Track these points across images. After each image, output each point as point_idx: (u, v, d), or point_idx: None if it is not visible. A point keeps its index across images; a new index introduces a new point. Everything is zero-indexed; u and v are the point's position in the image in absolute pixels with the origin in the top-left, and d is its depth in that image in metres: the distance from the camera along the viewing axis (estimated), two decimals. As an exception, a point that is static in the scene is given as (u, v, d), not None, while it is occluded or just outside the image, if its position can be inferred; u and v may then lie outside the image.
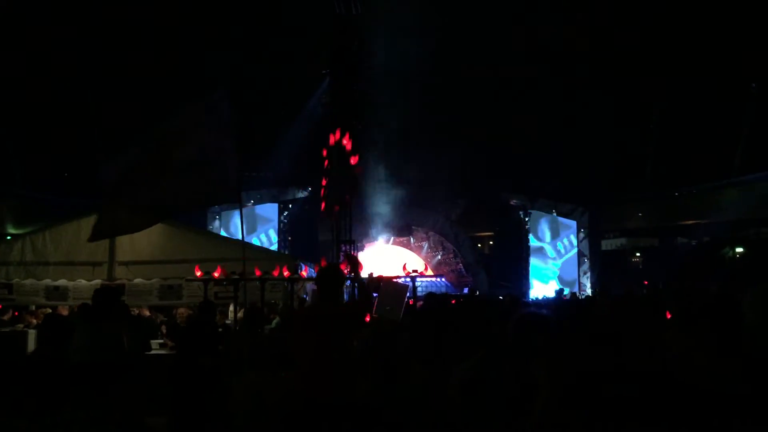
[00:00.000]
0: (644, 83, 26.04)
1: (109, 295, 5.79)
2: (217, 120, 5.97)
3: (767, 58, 22.98)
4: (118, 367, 2.85)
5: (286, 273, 8.86)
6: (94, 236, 5.93)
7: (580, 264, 28.08)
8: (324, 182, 14.86)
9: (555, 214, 28.32)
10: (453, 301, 10.53)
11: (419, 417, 4.55)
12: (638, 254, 32.63)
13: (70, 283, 9.96)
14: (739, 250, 27.20)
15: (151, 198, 5.91)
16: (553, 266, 28.21)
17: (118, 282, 9.70)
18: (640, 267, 31.12)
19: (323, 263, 9.01)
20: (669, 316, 6.29)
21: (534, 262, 27.99)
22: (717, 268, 22.53)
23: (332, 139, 14.42)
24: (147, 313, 11.04)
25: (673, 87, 25.54)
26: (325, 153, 14.70)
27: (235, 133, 6.11)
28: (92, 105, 23.74)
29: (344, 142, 14.22)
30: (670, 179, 27.58)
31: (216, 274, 8.31)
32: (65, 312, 9.92)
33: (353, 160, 14.29)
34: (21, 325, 10.72)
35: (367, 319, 7.70)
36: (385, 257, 24.41)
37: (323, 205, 14.78)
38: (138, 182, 5.77)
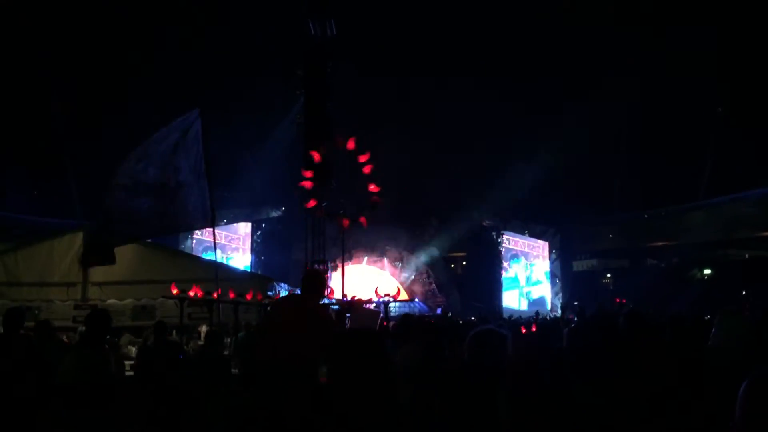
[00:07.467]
0: (616, 108, 26.46)
1: (105, 320, 5.71)
2: (191, 141, 5.94)
3: (733, 83, 23.64)
4: (107, 388, 2.84)
5: (259, 297, 8.90)
6: (85, 263, 5.82)
7: (552, 285, 28.33)
8: (308, 185, 14.94)
9: (527, 235, 28.58)
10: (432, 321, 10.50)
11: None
12: (609, 275, 32.94)
13: (44, 304, 9.80)
14: (707, 271, 27.67)
15: (129, 219, 5.87)
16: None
17: (92, 302, 9.56)
18: (611, 288, 31.43)
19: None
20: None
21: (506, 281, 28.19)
22: (686, 289, 22.88)
23: (341, 144, 14.56)
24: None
25: (644, 110, 26.07)
26: (309, 174, 14.90)
27: (208, 154, 6.08)
28: (61, 125, 23.42)
29: (365, 169, 14.32)
30: (641, 202, 27.98)
31: (191, 294, 8.27)
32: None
33: (372, 188, 14.41)
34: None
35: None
36: (358, 278, 24.31)
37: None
38: (120, 205, 5.72)
